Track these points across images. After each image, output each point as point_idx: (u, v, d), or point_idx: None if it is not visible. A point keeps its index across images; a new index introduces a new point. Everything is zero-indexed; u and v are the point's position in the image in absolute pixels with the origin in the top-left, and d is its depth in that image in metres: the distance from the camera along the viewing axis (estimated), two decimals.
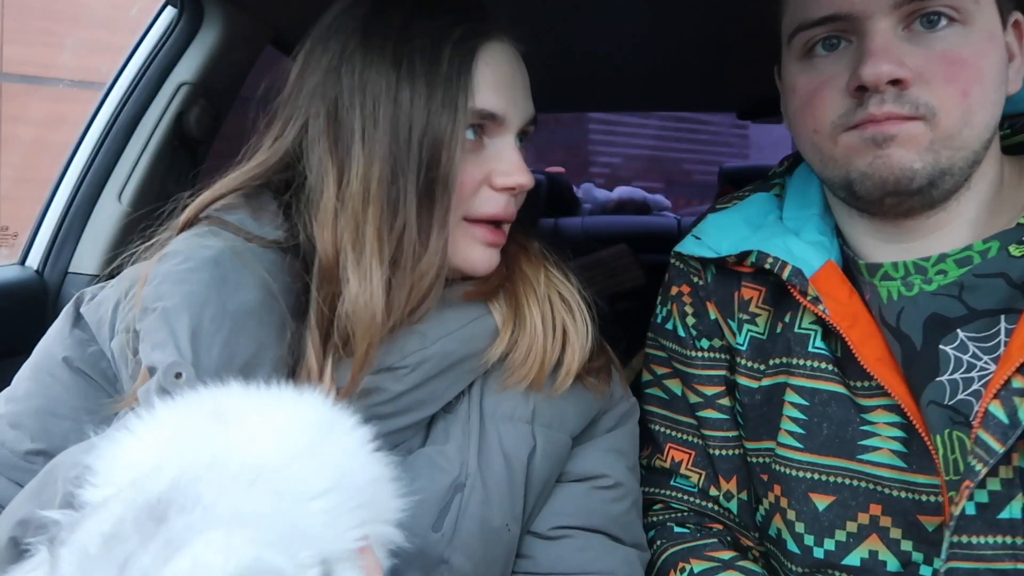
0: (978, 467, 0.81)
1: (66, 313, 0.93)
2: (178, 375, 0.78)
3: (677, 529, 1.09)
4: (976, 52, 0.87)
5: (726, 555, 1.03)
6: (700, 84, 2.42)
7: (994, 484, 0.84)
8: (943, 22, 0.86)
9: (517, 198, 0.96)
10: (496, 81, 0.92)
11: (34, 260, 1.58)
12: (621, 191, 5.81)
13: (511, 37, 0.97)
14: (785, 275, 0.96)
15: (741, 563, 1.01)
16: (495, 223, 0.95)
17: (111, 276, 0.97)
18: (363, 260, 0.87)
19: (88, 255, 1.58)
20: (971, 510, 0.84)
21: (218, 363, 0.81)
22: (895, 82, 0.85)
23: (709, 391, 1.07)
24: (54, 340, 0.92)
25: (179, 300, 0.82)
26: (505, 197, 0.94)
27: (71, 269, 1.58)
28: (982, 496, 0.84)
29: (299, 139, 0.92)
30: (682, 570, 1.03)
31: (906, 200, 0.90)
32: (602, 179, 7.33)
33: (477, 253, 0.94)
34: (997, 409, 0.82)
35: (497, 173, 0.92)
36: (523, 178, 0.93)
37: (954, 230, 0.92)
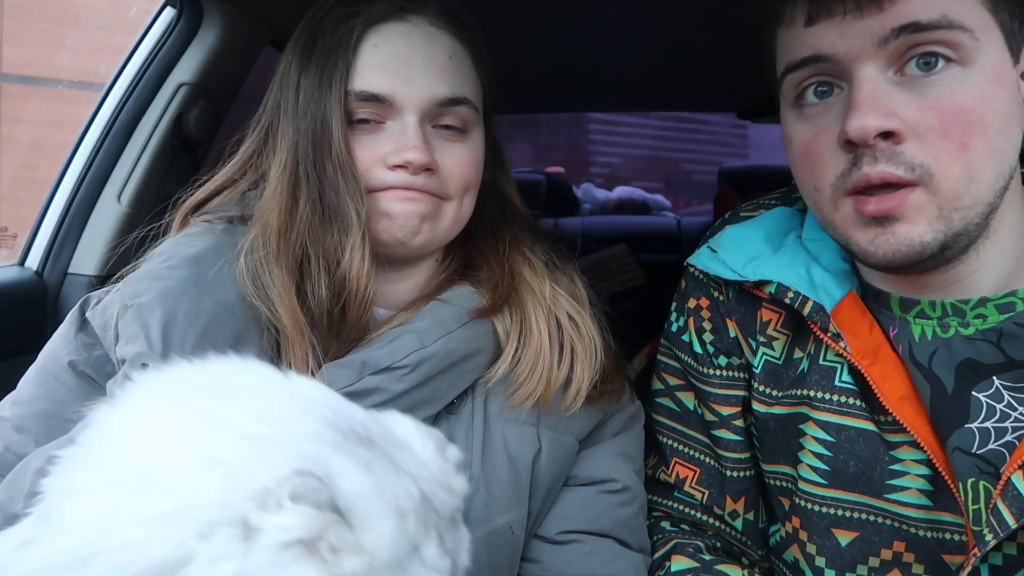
0: (988, 537, 0.79)
1: (71, 317, 0.93)
2: (143, 366, 0.79)
3: (670, 528, 1.08)
4: (977, 97, 0.79)
5: (707, 557, 1.02)
6: (700, 84, 2.42)
7: (1010, 548, 0.81)
8: (940, 64, 0.79)
9: (428, 177, 0.92)
10: (383, 63, 0.91)
11: (34, 261, 1.58)
12: (621, 191, 5.81)
13: (432, 16, 0.94)
14: (806, 311, 0.92)
15: (719, 567, 1.00)
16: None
17: (109, 277, 0.98)
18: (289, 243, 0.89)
19: (87, 256, 1.58)
20: (985, 572, 0.82)
21: (192, 357, 0.81)
22: (887, 135, 0.79)
23: (725, 411, 1.03)
24: (59, 344, 0.92)
25: (153, 295, 0.83)
26: (403, 174, 0.90)
27: (71, 270, 1.58)
28: (996, 559, 0.82)
29: (263, 138, 0.97)
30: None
31: (916, 266, 0.83)
32: (602, 179, 7.32)
33: (391, 207, 0.91)
34: (1019, 481, 0.78)
35: (390, 153, 0.91)
36: (411, 154, 0.89)
37: (977, 280, 0.87)
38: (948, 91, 0.79)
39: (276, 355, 0.89)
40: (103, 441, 0.53)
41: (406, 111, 0.91)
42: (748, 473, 1.04)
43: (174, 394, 0.55)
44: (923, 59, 0.80)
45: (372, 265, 0.89)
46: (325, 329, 0.89)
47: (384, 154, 0.90)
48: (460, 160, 0.94)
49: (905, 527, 0.88)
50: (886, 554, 0.90)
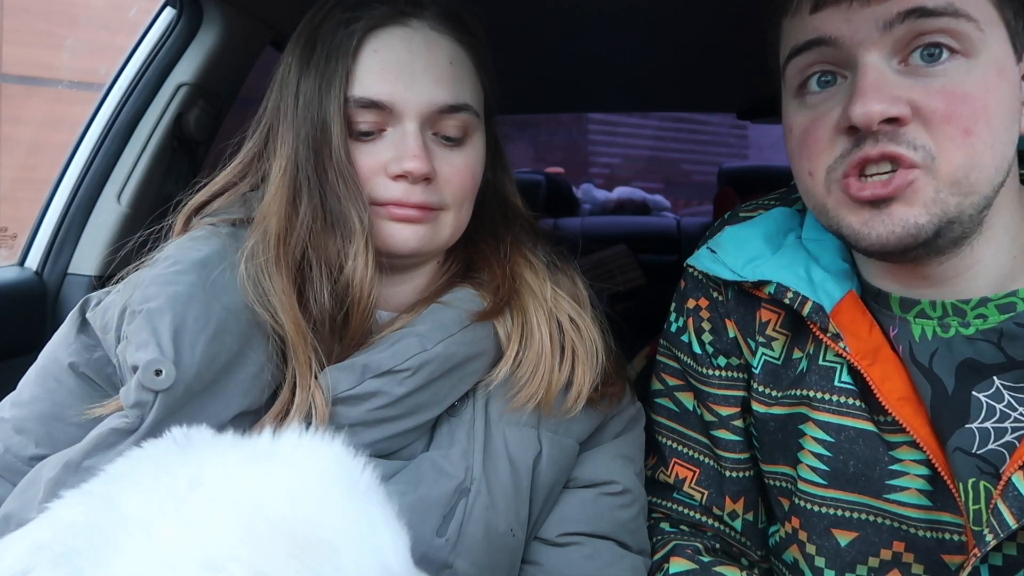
0: (988, 537, 0.79)
1: (71, 318, 0.93)
2: (158, 372, 0.78)
3: (669, 529, 1.08)
4: (982, 87, 0.79)
5: (706, 558, 1.02)
6: (700, 84, 2.42)
7: (1010, 548, 0.81)
8: (944, 55, 0.79)
9: (426, 186, 0.91)
10: (384, 69, 0.90)
11: (33, 261, 1.58)
12: (620, 191, 5.81)
13: (432, 20, 0.94)
14: (805, 312, 0.92)
15: (718, 568, 1.00)
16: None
17: (109, 277, 0.98)
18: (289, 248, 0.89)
19: (87, 256, 1.58)
20: (985, 572, 0.82)
21: (201, 362, 0.81)
22: (891, 121, 0.79)
23: (724, 411, 1.03)
24: (59, 345, 0.92)
25: (163, 301, 0.83)
26: (403, 185, 0.90)
27: (70, 270, 1.58)
28: (996, 559, 0.82)
29: (264, 140, 0.97)
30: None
31: (909, 252, 0.83)
32: (601, 179, 7.32)
33: (391, 229, 0.91)
34: (1020, 481, 0.78)
35: (390, 161, 0.90)
36: (411, 164, 0.88)
37: (974, 278, 0.86)
38: (952, 80, 0.79)
39: (281, 359, 0.88)
40: (153, 545, 0.52)
41: (406, 118, 0.90)
42: (747, 473, 1.04)
43: (243, 521, 0.53)
44: (927, 50, 0.79)
45: (376, 271, 0.89)
46: (327, 334, 0.89)
47: (385, 162, 0.90)
48: (459, 169, 0.94)
49: (905, 527, 0.88)
50: (886, 554, 0.90)
